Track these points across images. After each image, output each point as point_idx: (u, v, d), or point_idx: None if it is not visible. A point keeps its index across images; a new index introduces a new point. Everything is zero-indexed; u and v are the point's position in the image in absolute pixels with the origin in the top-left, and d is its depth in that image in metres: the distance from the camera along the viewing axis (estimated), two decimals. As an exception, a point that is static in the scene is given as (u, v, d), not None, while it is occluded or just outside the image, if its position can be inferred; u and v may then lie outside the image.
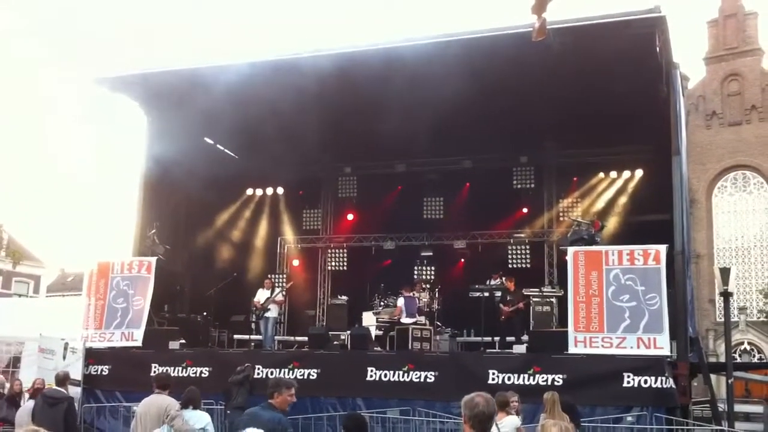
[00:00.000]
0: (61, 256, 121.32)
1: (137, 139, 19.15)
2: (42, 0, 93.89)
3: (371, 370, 14.73)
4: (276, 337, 19.43)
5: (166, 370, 15.41)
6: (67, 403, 11.43)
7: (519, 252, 21.69)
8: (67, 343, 19.11)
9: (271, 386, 7.00)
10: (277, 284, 20.23)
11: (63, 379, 12.00)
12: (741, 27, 48.30)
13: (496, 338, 17.29)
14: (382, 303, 19.74)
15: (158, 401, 8.76)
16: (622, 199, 20.59)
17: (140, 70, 17.64)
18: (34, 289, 56.67)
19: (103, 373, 16.55)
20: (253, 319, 19.08)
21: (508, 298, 17.22)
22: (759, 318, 43.44)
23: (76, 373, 16.07)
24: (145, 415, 8.69)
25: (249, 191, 23.56)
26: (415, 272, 22.13)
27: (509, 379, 13.65)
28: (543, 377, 13.50)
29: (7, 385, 14.41)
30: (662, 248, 13.88)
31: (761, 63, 47.85)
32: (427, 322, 17.50)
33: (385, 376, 14.60)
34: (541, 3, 4.21)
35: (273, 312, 18.70)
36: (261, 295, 18.87)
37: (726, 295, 15.78)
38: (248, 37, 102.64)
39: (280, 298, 19.17)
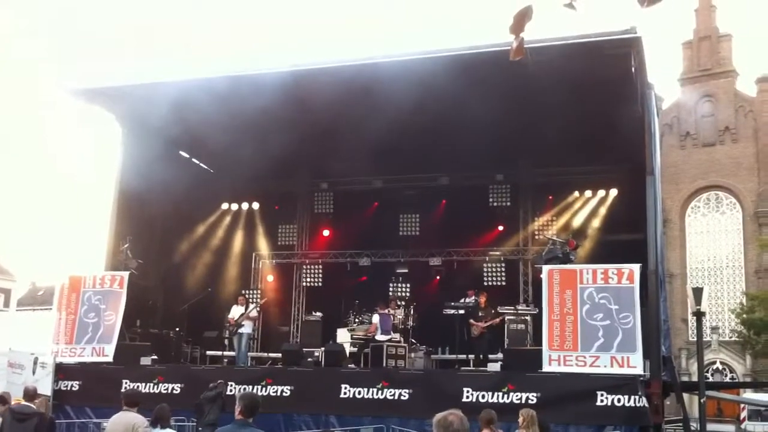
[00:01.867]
0: (32, 270, 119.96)
1: (112, 151, 19.07)
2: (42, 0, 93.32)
3: (345, 387, 14.64)
4: (249, 354, 19.25)
5: (138, 386, 15.20)
6: (38, 418, 11.20)
7: (494, 270, 21.75)
8: (36, 358, 18.81)
9: (252, 401, 6.14)
10: (251, 300, 20.09)
11: (32, 394, 11.78)
12: (715, 49, 49.02)
13: (471, 356, 17.27)
14: (356, 320, 19.64)
15: (126, 418, 8.63)
16: (597, 218, 20.71)
17: (114, 83, 17.46)
18: (5, 303, 56.10)
19: (73, 388, 16.32)
20: (227, 335, 18.92)
21: (480, 314, 17.23)
22: (731, 338, 43.87)
23: (46, 388, 15.82)
24: (112, 432, 8.58)
25: (224, 206, 23.41)
26: (391, 289, 22.10)
27: (483, 397, 13.61)
28: (517, 395, 13.47)
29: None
30: (636, 267, 13.94)
31: (735, 85, 48.54)
32: (402, 340, 17.46)
33: (359, 393, 14.52)
34: (519, 23, 4.19)
35: (247, 328, 18.53)
36: (235, 312, 18.70)
37: (699, 315, 15.84)
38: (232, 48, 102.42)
39: (254, 314, 19.01)
